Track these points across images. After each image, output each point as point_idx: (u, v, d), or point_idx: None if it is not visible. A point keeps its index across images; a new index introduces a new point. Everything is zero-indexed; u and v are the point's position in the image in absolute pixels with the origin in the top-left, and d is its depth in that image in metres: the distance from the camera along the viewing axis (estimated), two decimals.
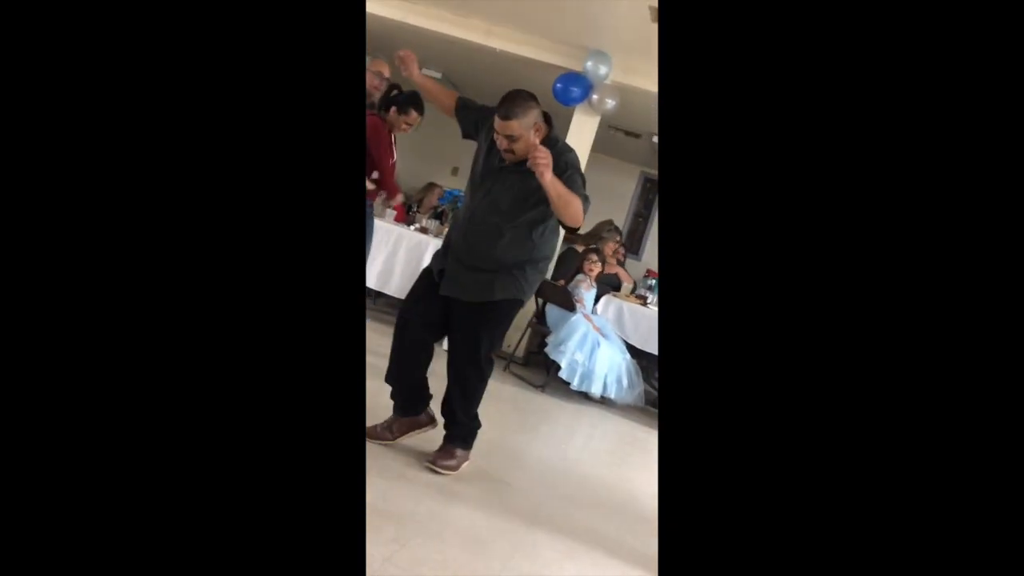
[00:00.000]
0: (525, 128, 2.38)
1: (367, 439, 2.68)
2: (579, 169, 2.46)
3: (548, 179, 2.24)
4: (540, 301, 4.90)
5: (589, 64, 4.93)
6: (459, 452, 2.66)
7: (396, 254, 5.07)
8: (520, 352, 5.14)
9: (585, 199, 2.40)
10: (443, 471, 2.57)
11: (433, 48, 5.76)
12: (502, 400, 4.07)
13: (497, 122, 2.38)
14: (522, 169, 2.40)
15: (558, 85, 5.06)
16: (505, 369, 4.81)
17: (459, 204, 8.01)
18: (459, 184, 8.86)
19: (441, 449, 2.66)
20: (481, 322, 2.55)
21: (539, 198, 2.40)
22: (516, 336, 5.15)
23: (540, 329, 4.91)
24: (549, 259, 2.66)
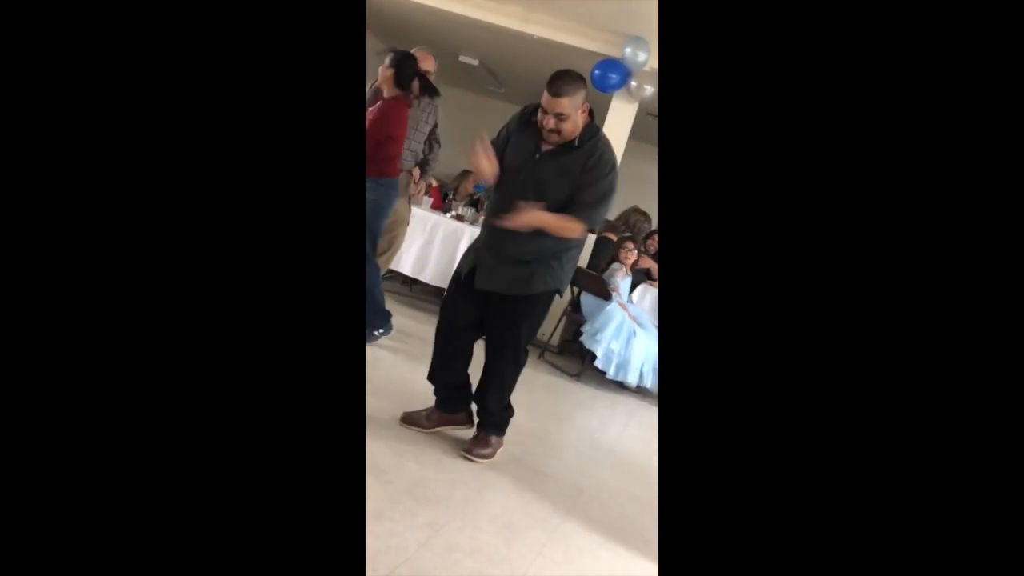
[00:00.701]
0: (574, 107, 2.35)
1: (405, 423, 2.71)
2: (610, 181, 2.44)
3: (541, 223, 2.35)
4: (575, 290, 4.88)
5: (627, 50, 4.88)
6: (493, 440, 2.67)
7: (432, 242, 5.09)
8: (555, 341, 5.13)
9: (595, 217, 2.44)
10: (478, 459, 2.59)
11: (471, 35, 5.75)
12: (537, 389, 4.07)
13: (546, 99, 2.34)
14: (561, 153, 2.41)
15: (596, 72, 5.02)
16: (540, 358, 4.81)
17: None
18: None
19: (476, 438, 2.67)
20: (520, 315, 2.54)
21: (576, 187, 2.40)
22: (551, 325, 5.15)
23: (575, 318, 4.90)
24: (581, 246, 2.64)
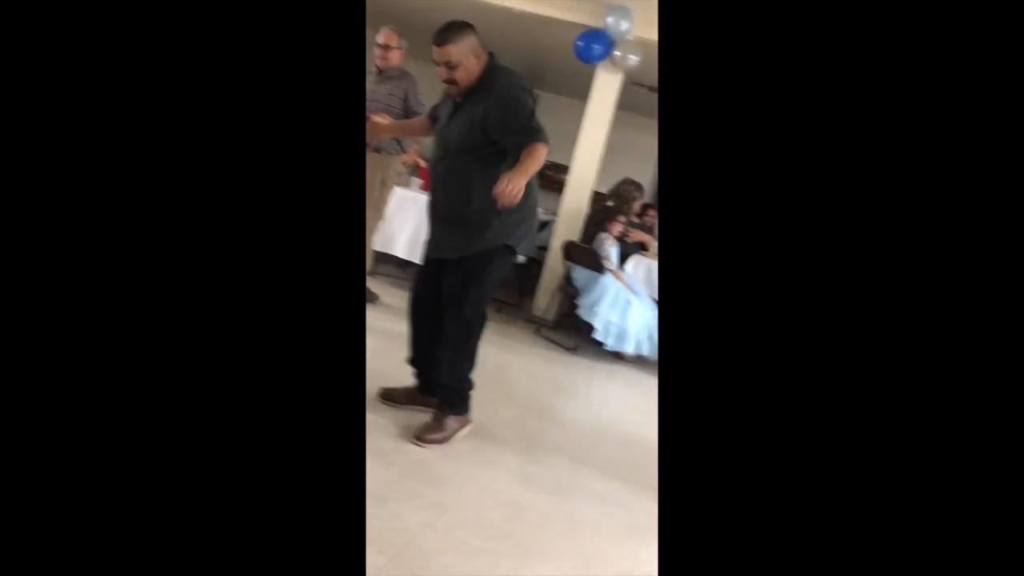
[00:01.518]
0: (463, 54, 2.35)
1: (384, 399, 2.70)
2: (521, 102, 2.34)
3: (521, 181, 2.21)
4: (568, 264, 4.88)
5: (609, 20, 4.83)
6: (449, 422, 2.53)
7: (424, 224, 5.06)
8: (550, 315, 5.13)
9: (535, 132, 2.29)
10: (426, 445, 2.42)
11: (451, 12, 5.67)
12: (535, 364, 4.08)
13: (434, 51, 2.34)
14: (467, 102, 2.40)
15: (579, 43, 4.97)
16: (536, 333, 4.81)
17: None
18: None
19: (431, 420, 2.54)
20: (463, 275, 2.44)
21: (491, 130, 2.34)
22: (545, 300, 5.15)
23: (569, 292, 4.90)
24: (533, 196, 2.46)
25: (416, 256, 5.05)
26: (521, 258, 2.73)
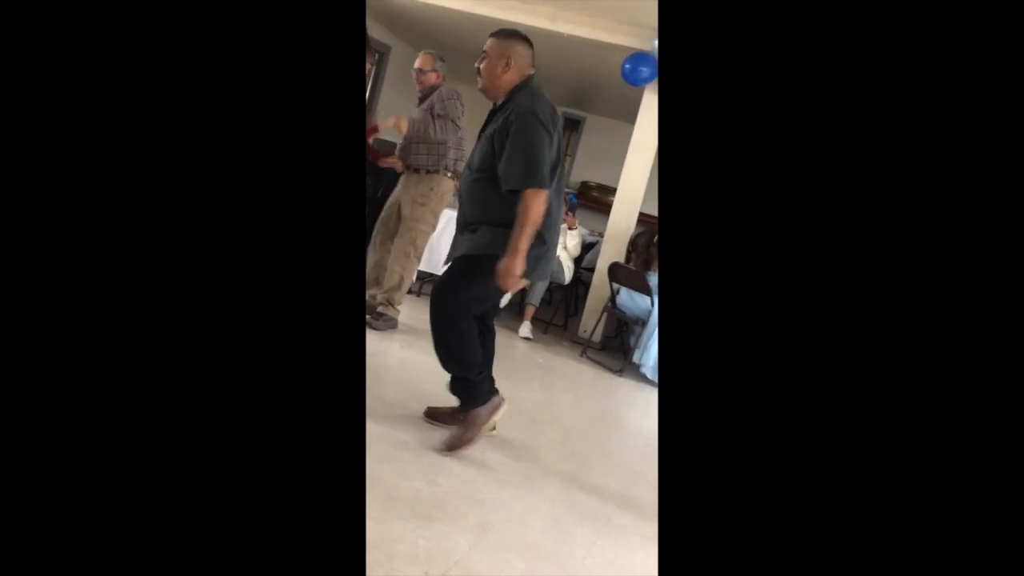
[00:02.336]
0: (496, 53, 2.41)
1: (429, 418, 2.70)
2: (530, 134, 2.29)
3: (519, 260, 2.25)
4: (614, 286, 4.86)
5: (656, 43, 4.84)
6: (471, 417, 2.51)
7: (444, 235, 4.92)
8: (596, 337, 5.11)
9: (529, 175, 2.26)
10: (457, 450, 2.44)
11: None
12: (581, 387, 4.06)
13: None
14: (492, 119, 2.43)
15: (626, 66, 4.98)
16: (582, 355, 4.80)
17: None
18: None
19: (455, 427, 2.54)
20: (455, 272, 2.48)
21: (497, 150, 2.35)
22: (591, 321, 5.13)
23: (616, 314, 4.88)
24: (547, 221, 2.40)
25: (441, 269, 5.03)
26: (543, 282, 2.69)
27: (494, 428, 2.68)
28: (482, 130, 2.51)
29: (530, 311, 5.02)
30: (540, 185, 2.27)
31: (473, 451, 2.54)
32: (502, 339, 4.70)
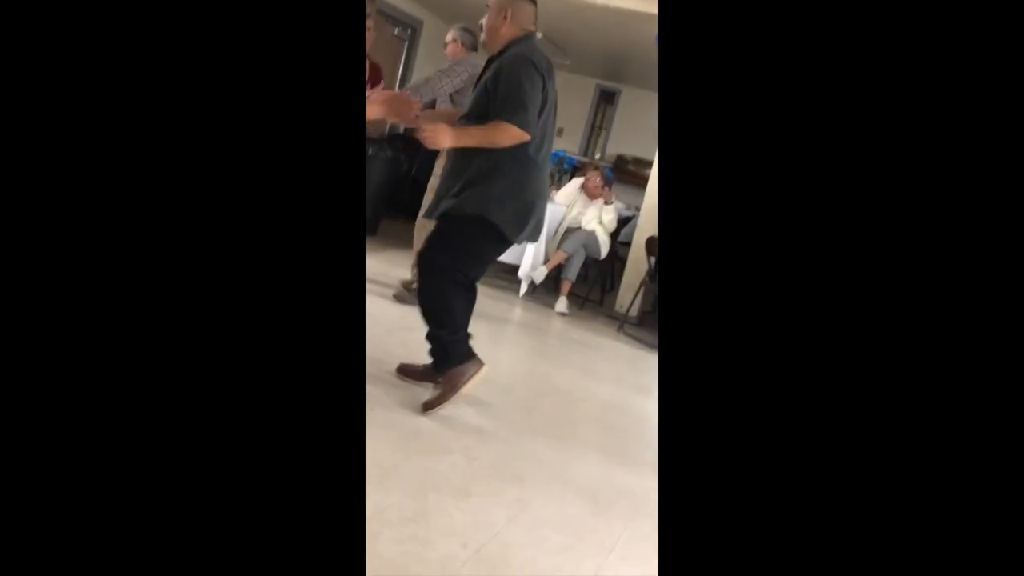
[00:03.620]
0: (497, 7, 2.43)
1: (401, 374, 2.72)
2: (518, 75, 2.30)
3: (448, 142, 2.30)
4: (652, 259, 4.81)
5: None
6: (447, 379, 2.50)
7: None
8: (633, 312, 5.08)
9: (511, 110, 2.26)
10: (431, 410, 2.45)
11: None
12: (619, 361, 4.04)
13: None
14: (487, 69, 2.45)
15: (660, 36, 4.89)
16: (619, 330, 4.77)
17: (565, 165, 7.97)
18: (565, 145, 8.79)
19: (433, 390, 2.55)
20: (439, 233, 2.46)
21: (488, 94, 2.34)
22: (628, 296, 5.09)
23: (653, 289, 4.83)
24: (528, 178, 2.41)
25: (516, 258, 5.03)
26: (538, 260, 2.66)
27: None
28: (478, 80, 2.51)
29: (566, 286, 4.98)
30: (520, 123, 2.27)
31: (507, 429, 2.54)
32: (538, 316, 4.71)
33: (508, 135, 2.29)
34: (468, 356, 2.53)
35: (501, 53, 2.42)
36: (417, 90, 3.83)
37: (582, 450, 2.53)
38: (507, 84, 2.30)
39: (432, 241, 2.48)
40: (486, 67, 2.47)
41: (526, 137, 2.30)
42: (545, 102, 2.37)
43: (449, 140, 2.33)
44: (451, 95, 3.86)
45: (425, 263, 2.47)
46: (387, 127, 6.80)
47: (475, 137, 2.33)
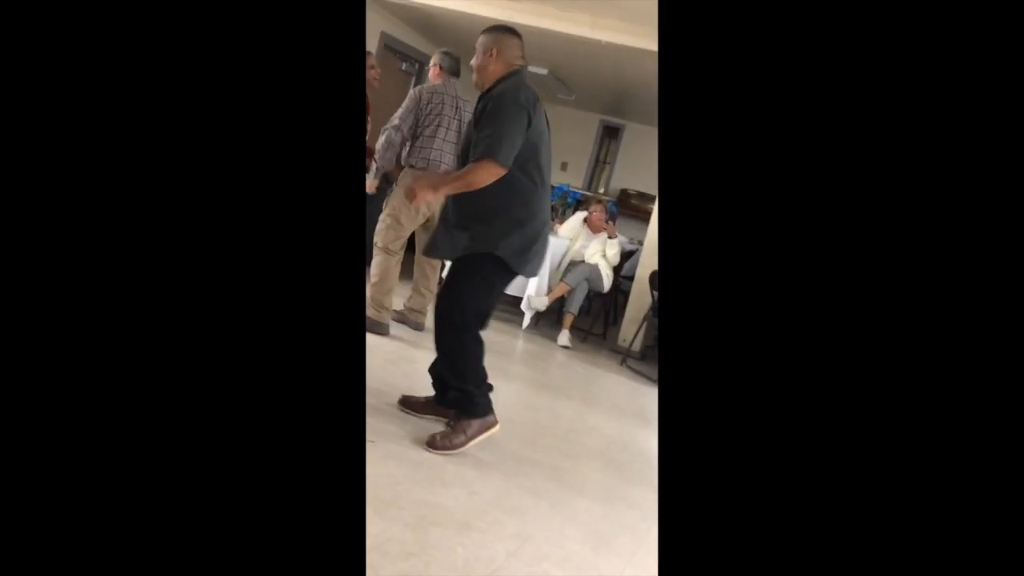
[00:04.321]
0: (484, 46, 2.49)
1: (402, 405, 2.73)
2: (502, 111, 2.33)
3: (430, 195, 2.39)
4: (655, 294, 4.82)
5: None
6: (463, 427, 2.49)
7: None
8: (636, 346, 5.07)
9: (491, 147, 2.28)
10: (440, 451, 2.41)
11: (538, 44, 5.77)
12: (620, 395, 4.03)
13: None
14: (478, 107, 2.47)
15: None
16: (622, 364, 4.76)
17: (569, 199, 8.02)
18: (569, 179, 8.86)
19: (446, 429, 2.54)
20: (453, 278, 2.51)
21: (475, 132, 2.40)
22: (631, 330, 5.09)
23: (656, 323, 4.83)
24: (530, 210, 2.42)
25: (519, 290, 5.03)
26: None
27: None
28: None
29: (569, 319, 5.00)
30: (495, 158, 2.29)
31: (510, 462, 2.53)
32: (540, 348, 4.71)
33: (483, 174, 2.32)
34: (489, 410, 2.56)
35: (491, 90, 2.47)
36: (383, 154, 3.85)
37: (584, 484, 2.51)
38: (488, 122, 2.35)
39: (450, 289, 2.51)
40: (477, 104, 2.52)
41: (501, 172, 2.33)
42: (536, 134, 2.41)
43: (430, 193, 2.41)
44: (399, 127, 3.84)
45: (447, 315, 2.49)
46: None
47: (454, 184, 2.39)
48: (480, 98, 2.50)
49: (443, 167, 3.76)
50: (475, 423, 2.51)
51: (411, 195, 2.42)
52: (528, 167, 2.40)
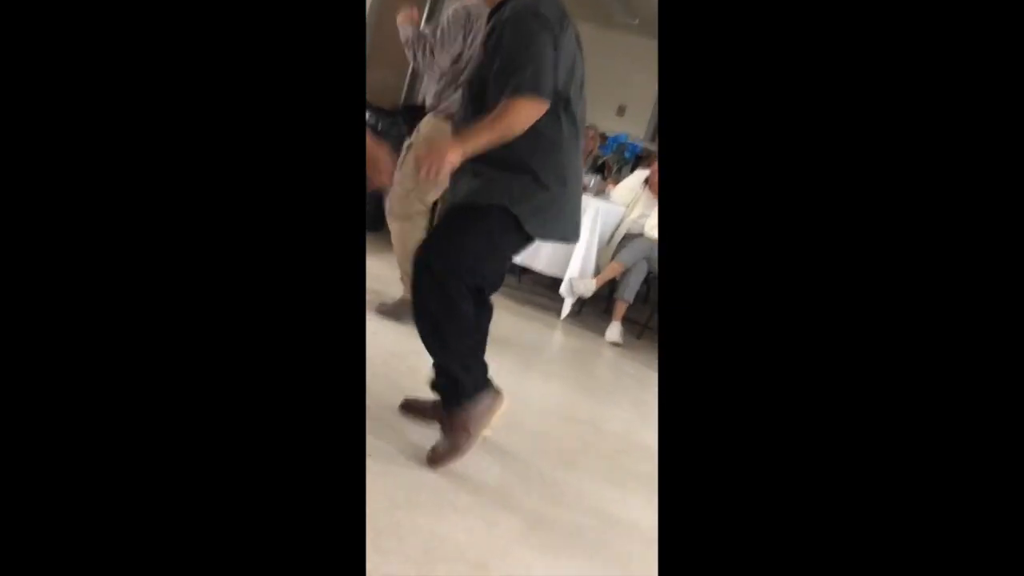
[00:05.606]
0: None
1: (403, 410, 2.65)
2: (522, 31, 2.22)
3: (457, 159, 2.18)
4: None
5: None
6: (454, 424, 2.38)
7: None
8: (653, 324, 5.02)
9: (519, 80, 2.17)
10: (440, 465, 2.35)
11: None
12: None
13: None
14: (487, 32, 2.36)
15: None
16: (639, 337, 4.72)
17: (627, 153, 7.96)
18: (627, 127, 8.78)
19: (440, 437, 2.41)
20: (445, 224, 2.40)
21: (489, 62, 2.28)
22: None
23: None
24: (553, 161, 2.34)
25: (535, 261, 4.99)
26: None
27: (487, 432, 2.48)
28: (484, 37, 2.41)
29: (620, 309, 4.82)
30: (534, 91, 2.16)
31: (543, 484, 2.47)
32: (583, 344, 4.66)
33: (524, 114, 2.19)
34: (478, 387, 2.38)
35: (502, 5, 2.32)
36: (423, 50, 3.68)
37: (636, 522, 2.40)
38: (508, 49, 2.21)
39: (432, 239, 2.37)
40: (487, 25, 2.38)
41: (544, 108, 2.19)
42: (564, 59, 2.26)
43: (457, 155, 2.20)
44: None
45: (420, 267, 2.32)
46: (402, 96, 6.86)
47: (485, 136, 2.21)
48: (490, 15, 2.36)
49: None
50: (469, 411, 2.35)
51: (433, 168, 2.21)
52: (553, 105, 2.24)
